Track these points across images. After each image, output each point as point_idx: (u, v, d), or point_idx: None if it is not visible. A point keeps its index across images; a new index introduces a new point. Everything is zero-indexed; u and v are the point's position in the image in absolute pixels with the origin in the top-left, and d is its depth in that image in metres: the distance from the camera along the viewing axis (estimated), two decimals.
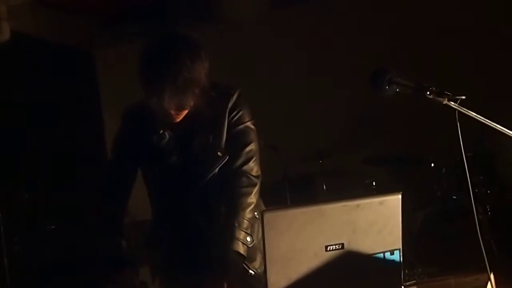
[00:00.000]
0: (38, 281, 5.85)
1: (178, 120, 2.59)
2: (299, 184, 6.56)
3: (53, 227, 6.11)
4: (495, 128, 2.09)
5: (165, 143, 2.66)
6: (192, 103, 2.53)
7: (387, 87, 2.14)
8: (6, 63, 6.03)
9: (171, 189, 2.70)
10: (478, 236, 2.06)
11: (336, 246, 2.00)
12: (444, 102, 2.06)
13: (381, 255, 2.05)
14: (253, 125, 2.73)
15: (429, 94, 2.07)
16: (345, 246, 2.01)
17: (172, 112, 2.53)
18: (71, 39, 7.39)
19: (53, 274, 5.96)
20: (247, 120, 2.71)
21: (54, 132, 6.77)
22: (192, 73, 2.44)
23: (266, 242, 1.96)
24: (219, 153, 2.66)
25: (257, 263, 2.69)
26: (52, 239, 6.13)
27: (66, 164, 6.70)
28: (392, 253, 2.06)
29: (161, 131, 2.64)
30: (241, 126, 2.69)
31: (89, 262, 5.88)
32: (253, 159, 2.70)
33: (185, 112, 2.57)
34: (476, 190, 5.79)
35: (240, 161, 2.67)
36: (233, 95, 2.69)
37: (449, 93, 2.05)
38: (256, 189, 2.68)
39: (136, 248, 2.96)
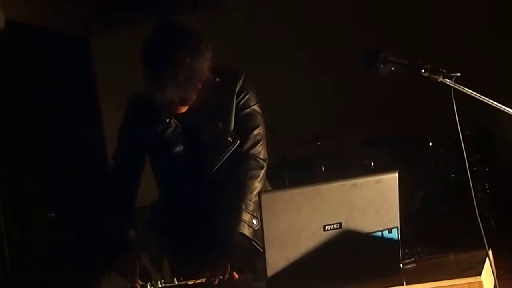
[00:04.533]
0: (39, 269, 5.87)
1: (183, 111, 2.59)
2: (298, 167, 6.56)
3: (53, 215, 6.13)
4: (492, 106, 2.08)
5: (172, 131, 2.67)
6: (194, 97, 2.53)
7: (381, 66, 2.13)
8: (2, 52, 6.01)
9: (181, 176, 2.72)
10: (476, 214, 2.06)
11: (334, 226, 2.01)
12: (439, 80, 2.05)
13: (379, 233, 2.05)
14: (260, 108, 2.74)
15: (424, 72, 2.06)
16: (343, 225, 2.02)
17: (176, 103, 2.53)
18: (68, 27, 7.36)
19: (53, 262, 5.97)
20: (253, 103, 2.72)
21: (51, 120, 6.76)
22: (192, 69, 2.44)
23: (264, 223, 1.98)
24: (229, 138, 2.67)
25: None
26: (52, 227, 6.15)
27: (64, 152, 6.70)
28: (390, 231, 2.06)
29: (168, 120, 2.65)
30: (248, 110, 2.70)
31: (89, 249, 5.92)
32: (261, 143, 2.72)
33: (189, 103, 2.57)
34: (475, 168, 5.80)
35: (248, 145, 2.69)
36: (239, 78, 2.70)
37: (444, 71, 2.04)
38: (263, 172, 2.70)
39: (136, 234, 2.96)
